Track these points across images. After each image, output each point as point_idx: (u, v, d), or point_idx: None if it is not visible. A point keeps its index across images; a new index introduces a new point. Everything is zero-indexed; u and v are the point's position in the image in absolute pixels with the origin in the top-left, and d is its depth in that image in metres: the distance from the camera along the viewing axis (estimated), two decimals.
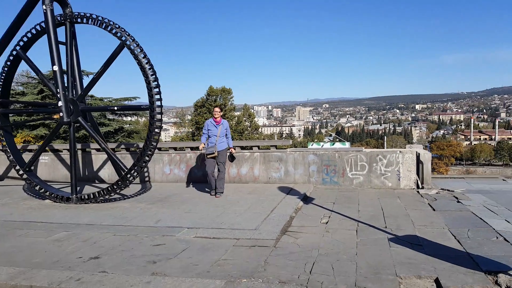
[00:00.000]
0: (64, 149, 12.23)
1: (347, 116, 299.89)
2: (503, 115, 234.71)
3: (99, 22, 8.11)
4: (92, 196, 8.53)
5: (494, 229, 5.87)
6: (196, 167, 11.19)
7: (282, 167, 10.55)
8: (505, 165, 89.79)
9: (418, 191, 9.25)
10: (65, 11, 8.68)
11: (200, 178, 11.07)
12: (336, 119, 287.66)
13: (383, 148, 60.22)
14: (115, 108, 10.39)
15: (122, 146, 12.04)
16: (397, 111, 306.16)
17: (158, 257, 5.00)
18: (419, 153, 9.84)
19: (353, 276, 4.27)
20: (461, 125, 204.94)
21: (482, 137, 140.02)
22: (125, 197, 9.16)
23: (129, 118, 30.85)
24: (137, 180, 10.68)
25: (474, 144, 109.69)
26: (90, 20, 8.24)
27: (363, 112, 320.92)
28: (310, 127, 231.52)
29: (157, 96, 8.03)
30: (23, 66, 68.28)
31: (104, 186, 9.37)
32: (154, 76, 7.99)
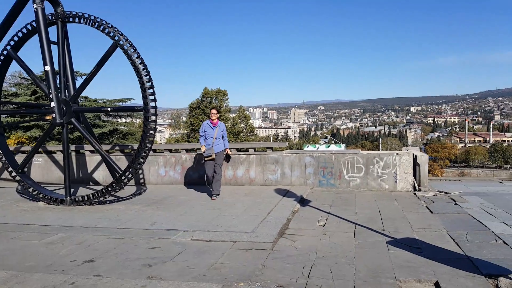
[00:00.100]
0: (57, 151, 12.09)
1: (342, 118, 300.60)
2: (497, 117, 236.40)
3: (91, 21, 8.00)
4: (86, 198, 8.42)
5: (492, 232, 5.84)
6: (191, 169, 11.10)
7: (278, 169, 10.49)
8: (499, 167, 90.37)
9: (415, 194, 9.23)
10: (56, 10, 8.56)
11: (196, 180, 10.99)
12: (331, 121, 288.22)
13: (379, 150, 60.39)
14: (109, 109, 10.31)
15: (117, 148, 11.92)
16: (392, 113, 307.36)
17: (153, 261, 4.92)
18: (416, 155, 9.82)
19: (352, 280, 4.22)
20: (455, 128, 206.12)
21: (476, 140, 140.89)
22: (120, 199, 9.05)
23: (123, 120, 30.68)
24: (132, 182, 10.57)
25: (469, 146, 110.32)
26: (82, 19, 8.13)
27: (358, 114, 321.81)
28: (305, 129, 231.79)
29: (151, 97, 7.94)
30: (16, 67, 67.83)
31: (98, 188, 9.25)
32: (148, 76, 7.90)
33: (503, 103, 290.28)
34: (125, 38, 7.88)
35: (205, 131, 8.91)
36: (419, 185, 9.69)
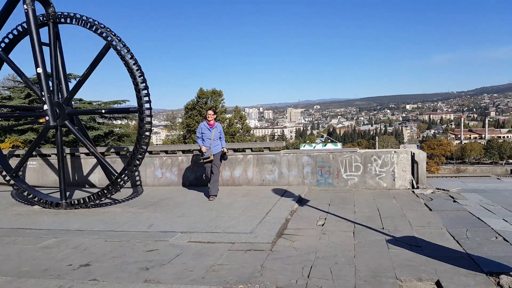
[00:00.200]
0: (52, 154, 11.97)
1: (339, 117, 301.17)
2: (492, 114, 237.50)
3: (83, 22, 7.89)
4: (82, 201, 8.32)
5: (492, 228, 5.80)
6: (188, 170, 11.02)
7: (275, 169, 10.43)
8: (494, 163, 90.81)
9: (413, 191, 9.20)
10: (47, 10, 8.45)
11: (193, 181, 10.92)
12: (327, 120, 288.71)
13: (375, 148, 60.49)
14: (103, 111, 10.13)
15: (112, 150, 11.82)
16: (388, 111, 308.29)
17: (151, 263, 4.85)
18: (413, 153, 9.79)
19: (353, 280, 4.16)
20: (451, 125, 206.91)
21: (472, 136, 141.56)
22: (116, 201, 8.96)
23: (119, 122, 30.49)
24: (128, 184, 10.47)
25: (465, 143, 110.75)
26: (74, 20, 8.02)
27: (354, 112, 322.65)
28: (301, 128, 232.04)
29: (146, 98, 7.85)
30: (9, 70, 67.33)
31: (94, 190, 9.16)
32: (142, 77, 7.81)
33: (498, 100, 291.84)
34: (118, 38, 7.78)
35: (202, 133, 8.86)
36: (417, 183, 9.66)
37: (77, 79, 8.85)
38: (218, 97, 48.10)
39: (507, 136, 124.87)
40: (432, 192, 8.95)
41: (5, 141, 20.57)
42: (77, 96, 26.62)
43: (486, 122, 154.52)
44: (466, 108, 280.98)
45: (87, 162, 11.69)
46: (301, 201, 8.35)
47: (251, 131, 58.73)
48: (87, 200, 8.31)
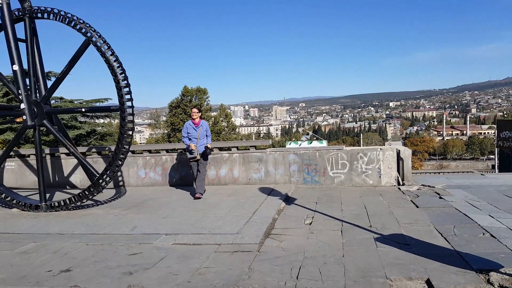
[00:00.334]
0: (31, 154, 11.58)
1: (324, 114, 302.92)
2: (473, 110, 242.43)
3: (61, 17, 7.60)
4: (62, 203, 8.05)
5: (479, 225, 5.81)
6: (173, 170, 10.81)
7: (262, 168, 10.32)
8: (475, 159, 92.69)
9: (399, 188, 9.20)
10: (23, 5, 8.12)
11: (178, 181, 10.73)
12: (312, 118, 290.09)
13: (359, 145, 60.94)
14: (83, 109, 9.86)
15: (94, 150, 11.52)
16: (372, 108, 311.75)
17: (134, 268, 4.68)
18: (399, 150, 9.80)
19: (342, 281, 4.08)
20: (434, 121, 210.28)
21: (454, 133, 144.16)
22: (98, 203, 8.71)
23: (101, 120, 29.93)
24: (110, 184, 10.22)
25: (447, 139, 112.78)
26: (51, 15, 7.73)
27: (339, 110, 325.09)
28: (287, 126, 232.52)
29: (127, 96, 7.62)
30: None
31: (75, 192, 8.87)
32: (123, 74, 7.58)
33: (479, 97, 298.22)
34: (98, 34, 7.53)
35: (188, 132, 8.73)
36: (403, 180, 9.68)
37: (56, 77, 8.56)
38: (203, 95, 47.72)
39: (488, 133, 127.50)
40: (418, 189, 8.97)
41: None
42: (58, 94, 26.07)
43: (468, 119, 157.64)
44: (448, 105, 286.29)
45: (68, 163, 11.37)
46: (288, 200, 8.26)
47: (237, 129, 58.57)
48: (68, 202, 8.04)
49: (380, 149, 9.77)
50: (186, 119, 38.23)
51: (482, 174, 11.74)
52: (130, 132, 7.83)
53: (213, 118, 48.67)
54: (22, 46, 8.16)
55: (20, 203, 8.32)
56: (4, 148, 10.97)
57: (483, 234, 5.40)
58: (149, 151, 11.27)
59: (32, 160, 11.52)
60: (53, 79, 22.33)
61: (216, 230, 6.08)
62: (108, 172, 7.92)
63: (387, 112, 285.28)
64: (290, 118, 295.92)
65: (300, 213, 7.11)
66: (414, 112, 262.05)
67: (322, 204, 7.75)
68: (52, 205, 8.11)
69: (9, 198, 8.43)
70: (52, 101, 24.00)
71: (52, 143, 21.40)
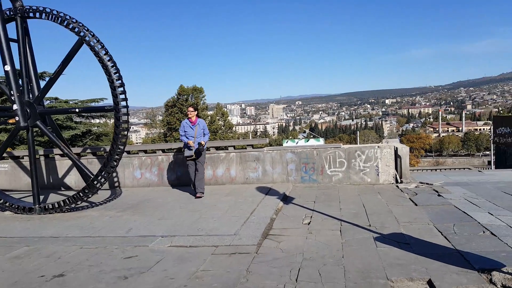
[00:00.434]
0: (25, 156, 11.44)
1: (320, 112, 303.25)
2: (469, 107, 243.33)
3: (54, 16, 7.46)
4: (57, 206, 7.93)
5: (479, 223, 5.74)
6: (169, 170, 10.69)
7: (259, 167, 10.22)
8: (471, 155, 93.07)
9: (397, 186, 9.13)
10: (15, 4, 7.97)
11: (174, 181, 10.61)
12: (309, 116, 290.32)
13: (356, 143, 61.00)
14: (77, 110, 9.71)
15: (89, 151, 11.37)
16: (368, 106, 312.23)
17: (129, 272, 4.57)
18: (396, 148, 9.73)
19: (342, 282, 3.99)
20: (429, 118, 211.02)
21: (450, 129, 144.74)
22: (93, 204, 8.59)
23: (97, 120, 29.72)
24: (106, 185, 10.09)
25: (443, 136, 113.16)
26: (44, 14, 7.59)
27: (335, 108, 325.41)
28: (284, 124, 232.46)
29: (122, 96, 7.50)
30: None
31: (70, 193, 8.75)
32: (117, 74, 7.45)
33: (474, 93, 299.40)
34: (92, 33, 7.40)
35: (185, 131, 8.67)
36: (400, 177, 9.61)
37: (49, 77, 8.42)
38: (199, 93, 47.61)
39: (483, 129, 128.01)
40: (416, 186, 8.90)
41: None
42: (52, 94, 25.84)
43: (463, 115, 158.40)
44: (443, 102, 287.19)
45: (62, 164, 11.23)
46: (286, 199, 8.17)
47: (234, 128, 58.46)
48: (62, 204, 7.92)
49: (378, 147, 9.70)
50: (182, 118, 38.12)
51: (479, 171, 11.70)
52: (125, 132, 7.71)
53: (209, 117, 48.52)
54: (14, 46, 8.02)
55: (13, 206, 8.18)
56: None
57: (483, 232, 5.33)
58: (145, 151, 11.14)
59: (26, 162, 11.38)
60: (47, 79, 22.12)
61: (213, 232, 5.98)
62: (102, 173, 7.80)
63: (383, 109, 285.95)
64: (287, 116, 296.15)
65: (298, 212, 7.02)
66: (410, 109, 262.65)
67: (321, 203, 7.66)
68: (46, 207, 7.98)
69: (2, 201, 8.29)
70: (47, 102, 23.84)
71: (47, 144, 21.20)
